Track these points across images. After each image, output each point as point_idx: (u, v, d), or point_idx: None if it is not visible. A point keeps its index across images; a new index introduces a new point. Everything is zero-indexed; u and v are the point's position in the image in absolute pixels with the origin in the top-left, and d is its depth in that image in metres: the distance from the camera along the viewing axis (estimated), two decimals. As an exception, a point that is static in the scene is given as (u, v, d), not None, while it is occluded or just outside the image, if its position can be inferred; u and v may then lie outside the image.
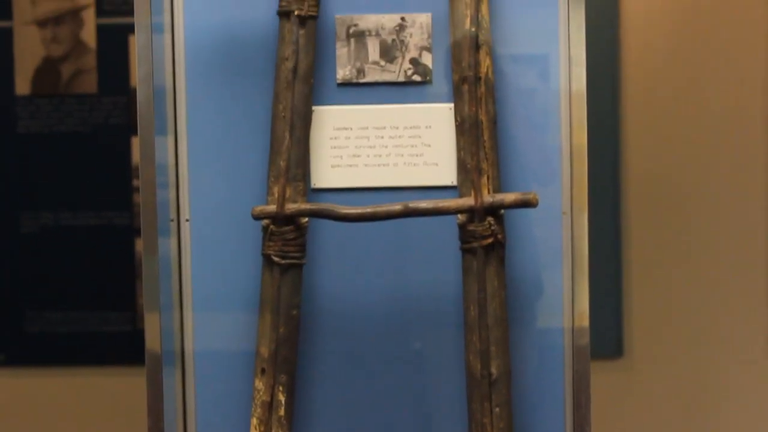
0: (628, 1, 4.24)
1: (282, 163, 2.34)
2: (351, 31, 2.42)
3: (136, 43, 2.33)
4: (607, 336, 4.13)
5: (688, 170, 4.23)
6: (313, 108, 2.40)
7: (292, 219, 2.34)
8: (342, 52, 2.43)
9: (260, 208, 2.34)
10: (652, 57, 4.25)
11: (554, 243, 2.46)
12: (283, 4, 2.34)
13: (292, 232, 2.35)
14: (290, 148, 2.35)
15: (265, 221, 2.35)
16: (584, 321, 2.38)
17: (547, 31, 2.44)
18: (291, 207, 2.33)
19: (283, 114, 2.34)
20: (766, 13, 4.19)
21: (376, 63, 2.42)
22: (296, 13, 2.33)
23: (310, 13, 2.34)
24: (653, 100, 4.24)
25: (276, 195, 2.34)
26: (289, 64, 2.34)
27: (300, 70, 2.35)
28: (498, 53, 2.41)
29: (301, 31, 2.35)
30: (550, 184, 2.45)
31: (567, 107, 2.41)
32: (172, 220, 2.46)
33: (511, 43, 2.44)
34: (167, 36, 2.46)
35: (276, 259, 2.34)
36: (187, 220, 2.47)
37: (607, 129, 4.19)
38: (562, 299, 2.45)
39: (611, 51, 4.23)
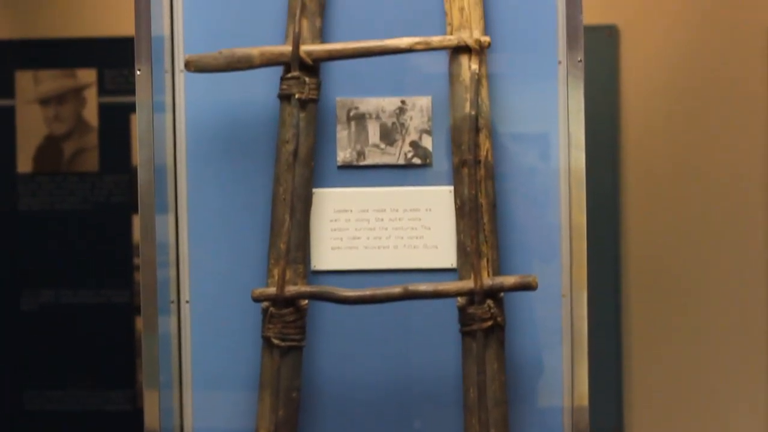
0: (627, 78, 4.27)
1: (282, 246, 2.35)
2: (351, 113, 2.44)
3: (138, 122, 2.35)
4: (607, 412, 4.12)
5: (688, 250, 4.24)
6: (314, 190, 2.41)
7: (292, 301, 2.34)
8: (342, 134, 2.44)
9: (260, 291, 2.35)
10: (651, 137, 4.27)
11: (554, 324, 2.46)
12: (284, 87, 2.36)
13: (292, 314, 2.35)
14: (290, 231, 2.36)
15: (265, 303, 2.35)
16: (584, 401, 2.37)
17: (546, 110, 2.46)
18: (291, 289, 2.34)
19: (283, 197, 2.35)
20: (765, 85, 4.22)
21: (376, 146, 2.44)
22: (297, 96, 2.35)
23: (310, 97, 2.36)
24: (653, 178, 4.26)
25: (276, 277, 2.34)
26: (290, 147, 2.35)
27: (301, 153, 2.36)
28: (498, 132, 2.43)
29: (302, 114, 2.36)
30: (550, 263, 2.45)
31: (566, 187, 2.41)
32: (173, 302, 2.46)
33: (510, 123, 2.45)
34: (169, 115, 2.47)
35: (276, 341, 2.34)
36: (187, 302, 2.47)
37: (607, 208, 4.20)
38: (562, 380, 2.45)
39: (611, 129, 4.25)
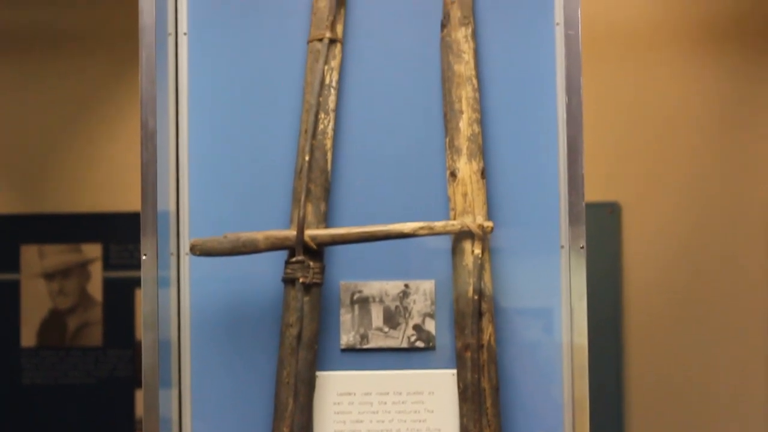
0: (629, 254, 4.29)
1: (285, 430, 2.34)
2: (355, 297, 2.45)
3: (143, 305, 2.36)
4: None
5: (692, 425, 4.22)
6: (317, 373, 2.41)
7: (294, 486, 2.33)
8: (346, 318, 2.45)
9: (263, 476, 2.33)
10: (653, 313, 4.28)
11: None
12: (289, 271, 2.37)
13: (295, 500, 2.33)
14: (293, 414, 2.35)
15: (268, 488, 2.33)
16: None
17: (548, 292, 2.47)
18: (294, 474, 2.33)
19: (287, 380, 2.35)
20: (766, 263, 4.25)
21: (379, 329, 2.44)
22: (301, 280, 2.36)
23: (315, 281, 2.37)
24: (655, 357, 4.25)
25: (279, 462, 2.33)
26: (294, 331, 2.36)
27: (304, 337, 2.37)
28: (500, 308, 2.43)
29: (306, 298, 2.37)
30: (555, 438, 2.45)
31: (569, 364, 2.42)
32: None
33: (512, 301, 2.46)
34: (173, 293, 2.48)
35: None
36: (191, 481, 2.46)
37: (610, 382, 4.19)
38: None
39: (613, 304, 4.26)
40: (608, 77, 4.38)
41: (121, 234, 4.40)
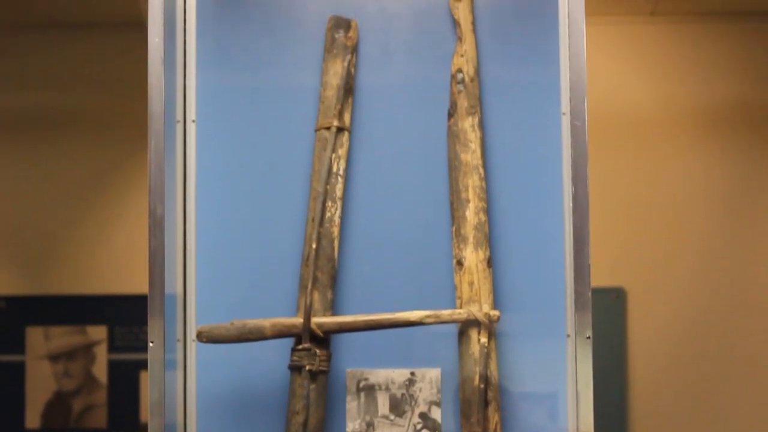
0: (633, 338, 4.29)
1: None
2: (361, 384, 2.45)
3: (150, 392, 2.35)
4: None
5: None
6: (323, 462, 2.41)
7: None
8: (352, 405, 2.45)
9: None
10: (658, 396, 4.27)
11: None
12: (295, 359, 2.37)
13: None
14: (299, 504, 2.34)
15: None
16: None
17: (554, 381, 2.47)
18: None
19: (293, 468, 2.35)
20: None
21: (385, 417, 2.44)
22: (308, 368, 2.36)
23: (321, 368, 2.37)
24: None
25: None
26: (300, 419, 2.35)
27: (310, 425, 2.36)
28: (505, 391, 2.43)
29: (312, 386, 2.37)
30: None
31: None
32: None
33: (518, 386, 2.46)
34: (179, 375, 2.48)
35: None
36: None
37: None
38: None
39: (618, 387, 4.25)
40: (614, 163, 4.41)
41: (126, 316, 4.40)
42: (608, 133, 4.38)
